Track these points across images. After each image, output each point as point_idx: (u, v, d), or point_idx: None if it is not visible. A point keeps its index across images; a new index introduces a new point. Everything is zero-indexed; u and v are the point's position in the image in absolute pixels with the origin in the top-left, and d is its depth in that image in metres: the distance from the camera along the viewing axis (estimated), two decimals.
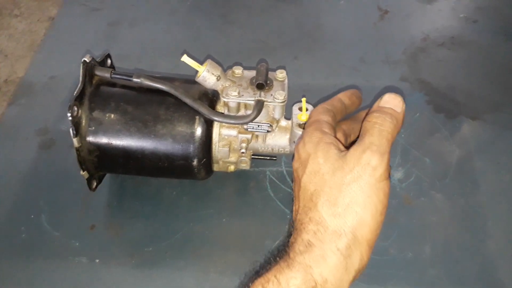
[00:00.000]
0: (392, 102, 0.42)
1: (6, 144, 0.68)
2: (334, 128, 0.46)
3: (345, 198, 0.38)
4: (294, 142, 0.54)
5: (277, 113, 0.53)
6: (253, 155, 0.58)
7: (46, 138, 0.68)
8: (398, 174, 0.62)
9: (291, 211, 0.44)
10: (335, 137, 0.44)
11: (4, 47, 1.99)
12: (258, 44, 0.82)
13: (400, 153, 0.64)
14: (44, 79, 0.77)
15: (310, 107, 0.55)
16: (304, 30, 0.84)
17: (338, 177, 0.39)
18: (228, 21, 0.87)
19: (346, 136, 0.49)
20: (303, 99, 0.53)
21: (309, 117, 0.48)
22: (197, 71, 0.53)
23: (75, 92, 0.50)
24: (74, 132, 0.50)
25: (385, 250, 0.55)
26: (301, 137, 0.45)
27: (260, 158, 0.60)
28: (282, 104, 0.52)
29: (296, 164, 0.44)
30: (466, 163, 0.63)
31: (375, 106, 0.43)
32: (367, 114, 0.43)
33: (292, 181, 0.46)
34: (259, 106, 0.51)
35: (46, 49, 0.84)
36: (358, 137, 0.42)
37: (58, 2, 2.23)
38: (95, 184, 0.56)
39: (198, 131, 0.52)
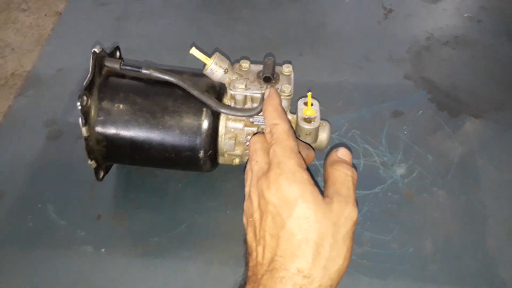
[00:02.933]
0: (348, 156, 0.46)
1: (15, 135, 0.68)
2: None
3: (332, 252, 0.39)
4: (299, 136, 0.55)
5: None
6: None
7: (54, 129, 0.69)
8: (400, 170, 0.62)
9: (246, 254, 0.44)
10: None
11: (12, 41, 2.00)
12: (263, 41, 0.83)
13: (402, 149, 0.65)
14: (52, 71, 0.78)
15: (315, 102, 0.55)
16: (309, 27, 0.85)
17: (327, 228, 0.39)
18: (233, 17, 0.88)
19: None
20: (309, 94, 0.54)
21: (277, 139, 0.45)
22: (205, 64, 0.54)
23: (85, 82, 0.51)
24: (83, 122, 0.50)
25: (386, 244, 0.55)
26: (280, 168, 0.42)
27: None
28: (288, 97, 0.53)
29: (273, 199, 0.41)
30: (468, 160, 0.64)
31: (334, 156, 0.46)
32: (327, 160, 0.46)
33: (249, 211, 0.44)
34: None
35: (54, 42, 0.85)
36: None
37: None
38: (102, 174, 0.57)
39: (205, 123, 0.53)
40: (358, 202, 0.58)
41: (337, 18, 0.86)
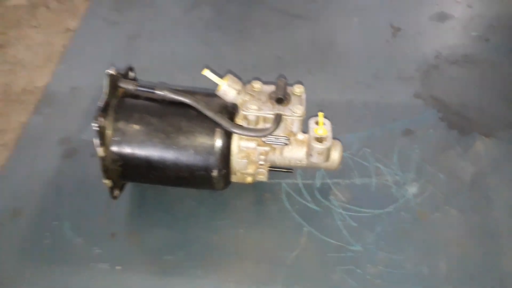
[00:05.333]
0: None
1: (31, 152, 0.70)
2: None
3: None
4: (311, 155, 0.55)
5: (295, 127, 0.55)
6: (270, 167, 0.60)
7: (69, 147, 0.70)
8: (413, 189, 0.63)
9: None
10: None
11: (22, 57, 2.03)
12: (273, 59, 0.84)
13: (414, 168, 0.65)
14: (66, 89, 0.79)
15: (327, 121, 0.56)
16: (319, 46, 0.86)
17: None
18: (244, 36, 0.89)
19: None
20: (320, 114, 0.55)
21: None
22: (217, 85, 0.55)
23: (101, 104, 0.52)
24: (99, 142, 0.51)
25: (400, 264, 0.56)
26: None
27: (276, 170, 0.61)
28: (301, 118, 0.54)
29: None
30: (480, 179, 0.64)
31: None
32: None
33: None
34: (278, 119, 0.53)
35: (68, 60, 0.87)
36: None
37: (76, 14, 2.29)
38: (117, 192, 0.58)
39: (219, 143, 0.53)
40: (371, 221, 0.59)
41: (346, 37, 0.87)
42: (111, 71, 0.53)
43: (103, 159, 0.53)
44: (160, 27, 0.92)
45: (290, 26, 0.90)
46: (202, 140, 0.53)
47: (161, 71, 0.82)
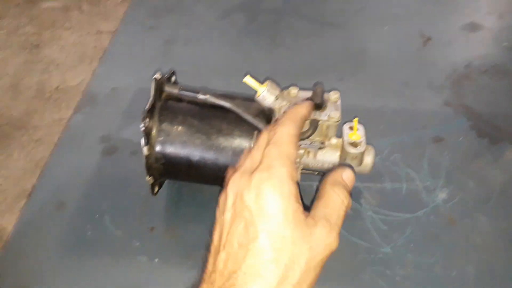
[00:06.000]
0: (352, 181, 0.44)
1: (73, 150, 0.74)
2: None
3: (301, 278, 0.36)
4: (345, 159, 0.57)
5: (330, 132, 0.57)
6: (302, 169, 0.62)
7: (109, 145, 0.74)
8: (442, 195, 0.64)
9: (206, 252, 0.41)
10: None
11: (56, 57, 2.12)
12: (304, 66, 0.86)
13: (444, 175, 0.66)
14: (106, 90, 0.83)
15: (361, 127, 0.58)
16: (349, 53, 0.88)
17: (302, 252, 0.36)
18: (275, 43, 0.92)
19: None
20: (355, 120, 0.57)
21: (278, 138, 0.41)
22: (256, 91, 0.58)
23: (147, 106, 0.55)
24: (146, 141, 0.55)
25: (429, 267, 0.57)
26: (269, 171, 0.38)
27: (308, 173, 0.63)
28: (337, 123, 0.56)
29: (251, 197, 0.38)
30: (510, 188, 0.65)
31: (339, 175, 0.43)
32: (329, 176, 0.43)
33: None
34: (315, 124, 0.55)
35: (107, 62, 0.91)
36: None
37: (107, 17, 2.36)
38: (157, 189, 0.61)
39: None
40: (401, 225, 0.61)
41: (377, 45, 0.89)
42: (157, 76, 0.56)
43: (147, 157, 0.56)
44: (194, 33, 0.95)
45: (321, 34, 0.92)
46: (240, 142, 0.56)
47: (195, 75, 0.85)
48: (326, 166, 0.60)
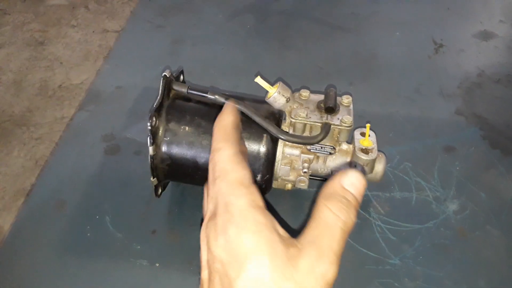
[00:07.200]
0: (357, 187, 0.34)
1: (75, 148, 0.72)
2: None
3: None
4: (355, 165, 0.56)
5: (341, 137, 0.56)
6: (311, 175, 0.60)
7: (112, 144, 0.72)
8: (453, 206, 0.62)
9: None
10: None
11: (61, 54, 2.11)
12: (313, 69, 0.85)
13: (455, 185, 0.65)
14: (111, 88, 0.82)
15: (372, 133, 0.57)
16: (360, 58, 0.87)
17: None
18: (285, 45, 0.91)
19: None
20: (367, 125, 0.55)
21: (221, 170, 0.36)
22: (267, 92, 0.56)
23: (155, 104, 0.53)
24: (151, 141, 0.53)
25: (439, 280, 0.55)
26: (228, 211, 0.33)
27: (316, 179, 0.62)
28: (349, 128, 0.54)
29: (221, 253, 0.32)
30: None
31: (337, 183, 0.34)
32: (324, 186, 0.35)
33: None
34: (327, 128, 0.53)
35: (113, 60, 0.90)
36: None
37: (113, 16, 2.36)
38: (160, 191, 0.59)
39: (265, 148, 0.54)
40: (410, 236, 0.59)
41: (387, 51, 0.88)
42: (166, 74, 0.54)
43: (152, 157, 0.54)
44: (203, 33, 0.94)
45: (331, 38, 0.91)
46: (249, 144, 0.54)
47: (203, 75, 0.84)
48: (335, 172, 0.58)
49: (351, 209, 0.33)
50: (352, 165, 0.57)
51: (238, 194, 0.33)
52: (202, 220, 0.38)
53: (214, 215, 0.34)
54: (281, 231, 0.33)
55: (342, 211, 0.32)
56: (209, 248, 0.34)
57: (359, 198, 0.34)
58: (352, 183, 0.34)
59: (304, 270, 0.30)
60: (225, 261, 0.32)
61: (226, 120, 0.40)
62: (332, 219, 0.32)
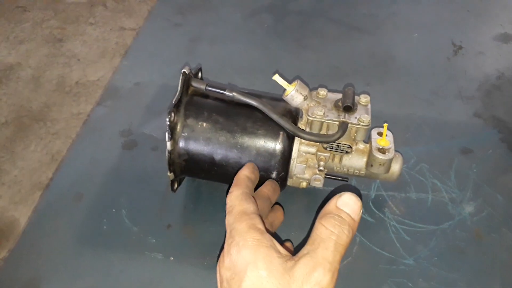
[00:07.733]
0: (352, 206, 0.37)
1: (93, 142, 0.73)
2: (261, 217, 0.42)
3: None
4: (371, 165, 0.56)
5: (359, 136, 0.56)
6: (326, 174, 0.60)
7: (129, 139, 0.73)
8: (469, 208, 0.62)
9: None
10: (267, 229, 0.40)
11: (78, 51, 2.14)
12: (330, 69, 0.85)
13: (471, 187, 0.64)
14: (129, 84, 0.83)
15: (389, 133, 0.56)
16: (377, 59, 0.86)
17: None
18: (302, 45, 0.91)
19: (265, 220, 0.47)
20: (385, 125, 0.55)
21: (230, 207, 0.43)
22: (284, 90, 0.56)
23: (174, 100, 0.54)
24: (169, 136, 0.54)
25: (453, 282, 0.55)
26: (231, 236, 0.39)
27: (332, 178, 0.62)
28: (366, 127, 0.54)
29: (226, 272, 0.37)
30: None
31: (332, 204, 0.38)
32: (323, 209, 0.39)
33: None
34: (344, 127, 0.54)
35: (132, 57, 0.91)
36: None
37: (131, 14, 2.39)
38: (176, 186, 0.60)
39: (281, 146, 0.55)
40: (425, 237, 0.58)
41: (405, 52, 0.87)
42: (186, 70, 0.55)
43: (170, 152, 0.55)
44: (221, 32, 0.95)
45: (349, 38, 0.91)
46: (265, 141, 0.55)
47: (220, 73, 0.84)
48: (351, 171, 0.58)
49: (345, 225, 0.36)
50: (368, 165, 0.57)
51: (240, 221, 0.39)
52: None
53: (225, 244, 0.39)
54: (280, 249, 0.37)
55: (335, 226, 0.36)
56: (219, 272, 0.39)
57: (354, 216, 0.37)
58: (346, 203, 0.37)
59: (300, 278, 0.33)
60: (229, 278, 0.36)
61: (241, 172, 0.50)
62: (325, 234, 0.36)
